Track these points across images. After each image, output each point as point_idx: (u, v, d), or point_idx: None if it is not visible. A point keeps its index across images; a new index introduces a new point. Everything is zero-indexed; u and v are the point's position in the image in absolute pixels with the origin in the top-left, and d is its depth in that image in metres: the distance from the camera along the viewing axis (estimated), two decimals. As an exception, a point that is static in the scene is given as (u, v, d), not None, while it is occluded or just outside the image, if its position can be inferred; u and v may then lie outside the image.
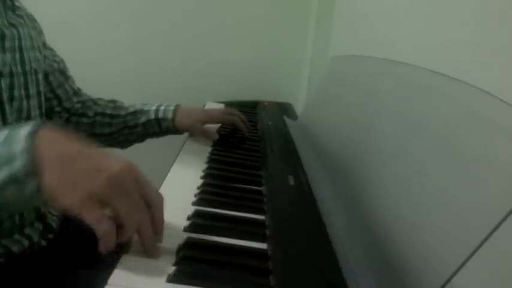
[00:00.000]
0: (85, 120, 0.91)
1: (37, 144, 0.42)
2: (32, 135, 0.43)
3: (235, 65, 1.55)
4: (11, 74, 0.66)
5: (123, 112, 0.93)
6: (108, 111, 0.92)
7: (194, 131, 0.95)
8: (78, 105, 0.91)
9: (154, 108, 0.93)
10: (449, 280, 0.38)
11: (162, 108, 0.93)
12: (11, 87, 0.66)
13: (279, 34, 1.54)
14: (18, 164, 0.42)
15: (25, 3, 0.76)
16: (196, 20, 1.52)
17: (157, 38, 1.52)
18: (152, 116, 0.92)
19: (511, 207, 0.35)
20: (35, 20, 0.78)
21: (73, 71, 0.93)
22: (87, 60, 1.42)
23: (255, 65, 1.56)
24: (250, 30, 1.54)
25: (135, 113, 0.93)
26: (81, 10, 1.47)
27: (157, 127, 0.93)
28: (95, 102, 0.94)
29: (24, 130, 0.43)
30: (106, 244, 0.43)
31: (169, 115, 0.92)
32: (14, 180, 0.42)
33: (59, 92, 0.87)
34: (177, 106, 0.93)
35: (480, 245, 0.36)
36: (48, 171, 0.42)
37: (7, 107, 0.65)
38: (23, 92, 0.68)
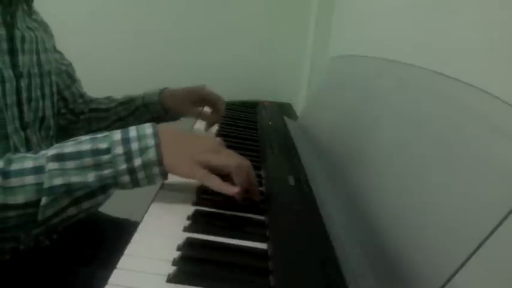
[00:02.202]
0: (82, 117, 0.92)
1: (159, 141, 0.56)
2: (156, 134, 0.56)
3: (235, 65, 1.55)
4: (29, 75, 0.68)
5: (114, 104, 0.93)
6: (102, 106, 0.93)
7: (184, 111, 0.93)
8: (82, 106, 0.92)
9: (142, 95, 0.92)
10: (449, 280, 0.38)
11: (149, 92, 0.92)
12: (29, 88, 0.68)
13: (279, 34, 1.54)
14: (150, 155, 0.55)
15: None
16: (196, 19, 1.52)
17: (157, 38, 1.52)
18: (140, 102, 0.91)
19: (511, 207, 0.35)
20: (46, 24, 0.80)
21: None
22: (86, 58, 1.41)
23: (255, 65, 1.56)
24: (250, 30, 1.54)
25: (124, 103, 0.92)
26: (82, 8, 1.47)
27: (148, 114, 0.92)
28: (92, 100, 0.95)
29: (149, 129, 0.57)
30: (226, 191, 0.58)
31: (155, 98, 0.90)
32: (146, 165, 0.55)
33: (66, 94, 0.89)
34: (163, 89, 0.92)
35: (480, 245, 0.36)
36: (166, 158, 0.56)
37: (25, 107, 0.67)
38: (39, 92, 0.71)
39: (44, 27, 0.79)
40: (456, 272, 0.37)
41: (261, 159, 0.82)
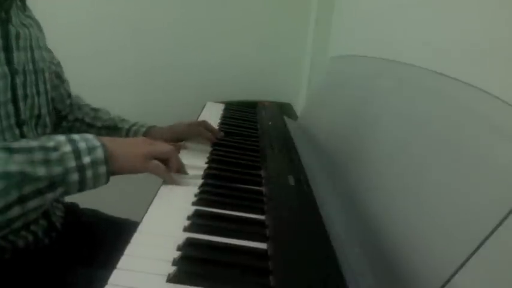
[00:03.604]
0: (64, 124, 0.91)
1: (103, 142, 0.59)
2: (98, 138, 0.60)
3: (235, 65, 1.55)
4: (24, 72, 0.68)
5: (99, 124, 0.92)
6: (87, 120, 0.92)
7: None
8: (68, 109, 0.92)
9: (127, 127, 0.92)
10: (449, 280, 0.38)
11: (135, 128, 0.92)
12: (24, 85, 0.68)
13: (279, 34, 1.54)
14: (98, 154, 0.58)
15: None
16: (196, 19, 1.52)
17: (157, 38, 1.51)
18: (123, 135, 0.91)
19: (511, 207, 0.35)
20: (37, 21, 0.80)
21: (72, 70, 0.93)
22: (85, 60, 1.42)
23: (255, 65, 1.56)
24: (250, 30, 1.54)
25: (109, 128, 0.92)
26: (80, 9, 1.47)
27: None
28: (79, 107, 0.94)
29: (90, 135, 0.60)
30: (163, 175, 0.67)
31: (139, 136, 0.90)
32: (94, 163, 0.57)
33: (53, 94, 0.87)
34: (149, 127, 0.92)
35: (480, 245, 0.36)
36: (115, 162, 0.60)
37: (21, 104, 0.67)
38: (34, 89, 0.71)
39: (36, 23, 0.78)
40: (456, 272, 0.37)
41: (261, 159, 0.82)
